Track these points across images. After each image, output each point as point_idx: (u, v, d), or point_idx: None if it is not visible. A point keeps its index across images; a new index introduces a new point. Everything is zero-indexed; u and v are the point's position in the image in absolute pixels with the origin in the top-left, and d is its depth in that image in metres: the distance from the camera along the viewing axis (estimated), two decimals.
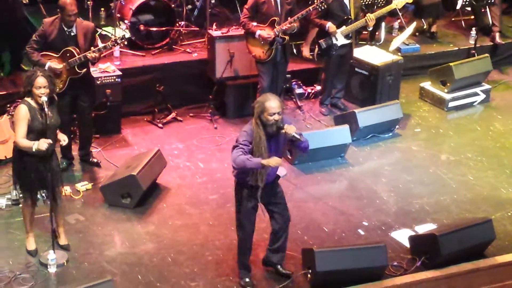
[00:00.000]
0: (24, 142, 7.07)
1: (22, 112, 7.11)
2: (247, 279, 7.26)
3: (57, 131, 7.35)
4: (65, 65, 8.49)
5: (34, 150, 7.03)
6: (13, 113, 8.31)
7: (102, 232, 8.02)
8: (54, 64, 8.46)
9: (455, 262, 7.57)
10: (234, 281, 7.31)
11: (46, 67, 8.34)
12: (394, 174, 9.36)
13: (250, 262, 7.30)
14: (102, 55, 8.92)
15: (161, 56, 10.85)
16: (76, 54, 8.50)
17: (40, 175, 7.27)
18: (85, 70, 8.66)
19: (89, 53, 8.47)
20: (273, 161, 6.62)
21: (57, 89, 8.45)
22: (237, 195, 7.03)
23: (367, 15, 10.30)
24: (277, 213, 7.16)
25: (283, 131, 6.70)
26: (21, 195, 7.76)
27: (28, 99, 7.14)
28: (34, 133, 7.11)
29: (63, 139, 7.33)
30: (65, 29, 8.52)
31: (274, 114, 6.66)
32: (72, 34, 8.55)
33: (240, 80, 10.63)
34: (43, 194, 7.62)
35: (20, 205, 8.13)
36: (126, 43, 9.31)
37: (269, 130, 6.73)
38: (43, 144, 6.99)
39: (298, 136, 6.74)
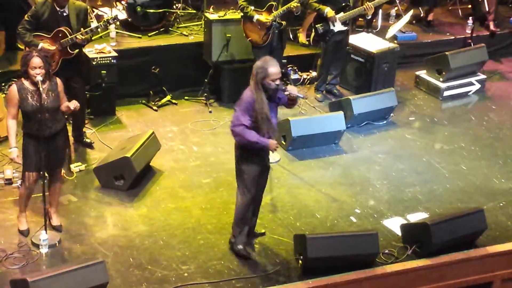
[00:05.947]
0: (9, 129, 7.14)
1: (10, 93, 7.13)
2: (240, 246, 7.32)
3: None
4: (57, 46, 8.46)
5: (9, 150, 7.25)
6: (6, 92, 8.28)
7: (94, 213, 8.02)
8: (46, 45, 8.41)
9: (446, 251, 7.59)
10: (226, 265, 7.32)
11: (39, 48, 8.32)
12: (387, 162, 9.37)
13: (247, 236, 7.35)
14: (97, 36, 8.84)
15: (158, 38, 10.83)
16: (68, 35, 8.47)
17: (40, 156, 7.20)
18: (77, 51, 8.62)
19: (79, 35, 8.43)
20: (273, 144, 6.93)
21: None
22: (243, 161, 7.05)
23: (366, 3, 10.27)
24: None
25: (287, 92, 6.93)
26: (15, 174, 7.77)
27: (23, 80, 7.10)
28: (29, 114, 7.09)
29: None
30: (58, 9, 8.47)
31: (277, 79, 6.80)
32: (65, 14, 8.50)
33: (236, 64, 10.61)
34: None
35: (13, 185, 8.16)
36: (118, 23, 9.27)
37: (267, 95, 6.87)
38: (11, 154, 7.22)
39: (301, 96, 7.19)
